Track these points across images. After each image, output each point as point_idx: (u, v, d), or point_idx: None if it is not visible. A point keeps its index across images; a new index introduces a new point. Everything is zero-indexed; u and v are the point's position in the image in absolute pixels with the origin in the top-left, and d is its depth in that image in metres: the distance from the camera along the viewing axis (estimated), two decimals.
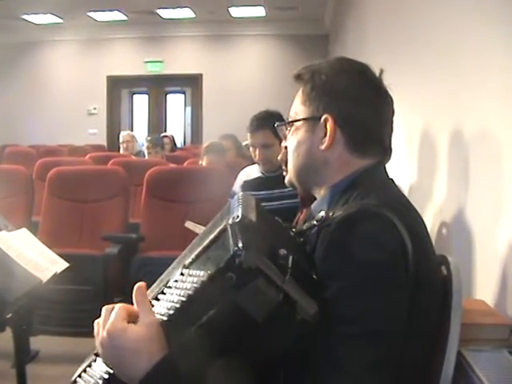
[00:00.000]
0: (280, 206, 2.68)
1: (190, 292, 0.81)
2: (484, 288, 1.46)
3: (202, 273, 0.81)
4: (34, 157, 6.36)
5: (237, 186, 3.07)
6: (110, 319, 0.90)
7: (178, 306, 0.83)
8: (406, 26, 2.68)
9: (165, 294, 0.91)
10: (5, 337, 2.59)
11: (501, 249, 1.36)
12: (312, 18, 9.16)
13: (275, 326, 0.80)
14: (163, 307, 0.88)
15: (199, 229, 3.02)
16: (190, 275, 0.85)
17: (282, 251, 0.83)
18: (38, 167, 4.78)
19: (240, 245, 0.78)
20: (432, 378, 0.98)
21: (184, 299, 0.82)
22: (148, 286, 1.04)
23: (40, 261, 2.13)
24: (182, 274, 0.88)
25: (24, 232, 2.26)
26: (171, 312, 0.85)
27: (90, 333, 2.95)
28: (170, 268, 1.03)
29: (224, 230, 0.84)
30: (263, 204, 2.70)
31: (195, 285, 0.81)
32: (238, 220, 0.84)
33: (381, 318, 0.88)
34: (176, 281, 0.88)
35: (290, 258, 0.82)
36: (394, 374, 0.88)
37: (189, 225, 3.04)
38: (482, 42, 1.55)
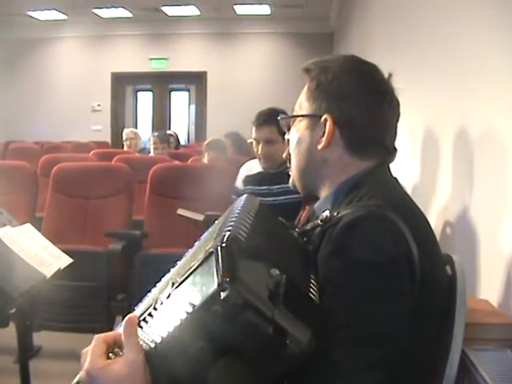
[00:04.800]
0: (284, 201, 2.68)
1: (176, 322, 0.77)
2: (488, 287, 1.46)
3: (187, 302, 0.76)
4: (38, 153, 6.37)
5: (239, 182, 3.07)
6: (87, 357, 0.86)
7: (164, 335, 0.79)
8: (411, 26, 2.68)
9: (152, 316, 0.85)
10: (8, 332, 2.60)
11: (505, 248, 1.36)
12: (317, 16, 9.16)
13: (265, 358, 0.76)
14: (150, 334, 0.83)
15: (193, 214, 3.04)
16: (177, 301, 0.80)
17: (274, 271, 0.78)
18: (42, 163, 4.79)
19: (225, 277, 0.73)
20: (436, 377, 0.98)
21: (170, 329, 0.77)
22: (151, 283, 1.04)
23: (44, 256, 2.13)
24: (168, 298, 0.83)
25: (28, 227, 2.26)
26: (158, 340, 0.80)
27: (92, 329, 2.96)
28: (167, 277, 1.00)
29: (211, 254, 0.78)
30: (267, 199, 2.70)
31: (181, 315, 0.76)
32: (224, 244, 0.78)
33: (380, 322, 0.88)
34: (163, 304, 0.83)
35: (283, 279, 0.78)
36: (395, 374, 0.88)
37: (181, 212, 3.06)
38: (486, 44, 1.54)
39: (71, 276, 2.43)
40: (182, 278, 0.81)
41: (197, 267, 0.79)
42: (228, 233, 0.81)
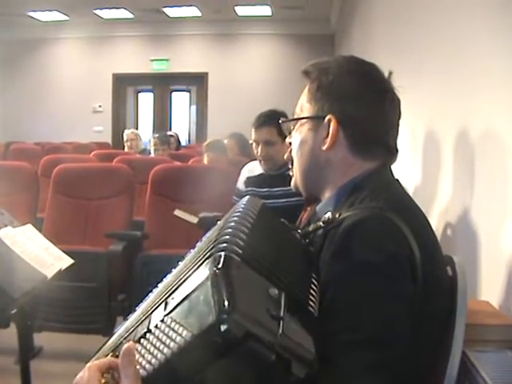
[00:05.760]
0: (285, 204, 2.68)
1: (174, 348, 0.73)
2: (488, 289, 1.46)
3: (184, 332, 0.72)
4: (39, 154, 6.37)
5: (240, 183, 3.07)
6: None
7: (162, 360, 0.75)
8: (412, 28, 2.68)
9: (147, 339, 0.80)
10: (8, 333, 2.60)
11: (505, 250, 1.36)
12: (318, 17, 9.16)
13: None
14: (146, 358, 0.79)
15: (188, 216, 3.05)
16: (171, 328, 0.76)
17: (273, 291, 0.76)
18: (43, 164, 4.80)
19: (223, 308, 0.69)
20: (437, 378, 0.98)
21: (168, 355, 0.74)
22: (151, 284, 1.04)
23: (45, 257, 2.13)
24: (162, 321, 0.78)
25: (29, 228, 2.26)
26: (156, 366, 0.76)
27: (93, 329, 2.96)
28: (164, 284, 0.97)
29: (205, 279, 0.74)
30: (268, 201, 2.70)
31: (179, 342, 0.72)
32: (220, 267, 0.75)
33: (380, 325, 0.88)
34: (157, 327, 0.79)
35: (283, 297, 0.76)
36: (396, 376, 0.88)
37: (178, 213, 3.07)
38: (487, 46, 1.55)
39: (72, 277, 2.43)
40: (176, 302, 0.78)
41: (192, 291, 0.76)
42: (224, 252, 0.78)
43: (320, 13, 8.92)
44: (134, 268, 3.18)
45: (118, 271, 3.24)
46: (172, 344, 0.74)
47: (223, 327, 0.68)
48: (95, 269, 3.14)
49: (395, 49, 3.20)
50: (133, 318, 0.97)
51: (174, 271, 0.97)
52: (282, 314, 0.74)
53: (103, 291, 3.14)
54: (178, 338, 0.73)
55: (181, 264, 0.98)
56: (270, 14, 9.16)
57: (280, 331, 0.72)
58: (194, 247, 1.01)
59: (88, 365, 0.84)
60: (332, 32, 9.38)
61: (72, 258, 2.25)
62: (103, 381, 0.82)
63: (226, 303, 0.70)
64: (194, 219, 3.00)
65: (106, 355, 0.90)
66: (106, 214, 3.61)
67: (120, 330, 0.98)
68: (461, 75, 1.79)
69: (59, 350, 3.23)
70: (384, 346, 0.87)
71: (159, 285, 1.00)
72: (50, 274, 2.07)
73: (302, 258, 1.01)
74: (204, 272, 0.76)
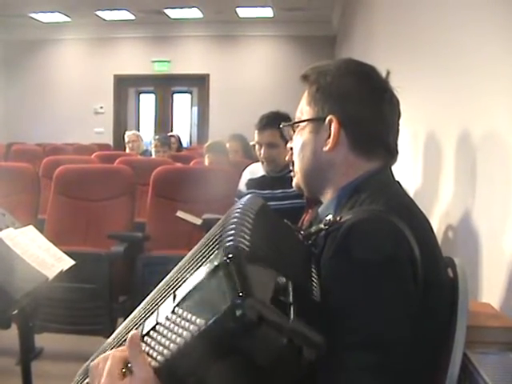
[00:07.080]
0: (287, 206, 2.68)
1: (186, 338, 0.74)
2: (490, 291, 1.46)
3: (197, 320, 0.73)
4: (40, 155, 6.39)
5: (242, 185, 3.07)
6: (103, 376, 0.83)
7: (174, 351, 0.75)
8: (415, 30, 2.68)
9: (158, 331, 0.81)
10: (10, 334, 2.60)
11: (507, 251, 1.36)
12: (320, 19, 9.16)
13: (281, 368, 0.75)
14: (158, 350, 0.79)
15: (191, 218, 3.05)
16: (183, 318, 0.76)
17: (281, 279, 0.77)
18: (45, 165, 4.80)
19: (238, 294, 0.71)
20: (438, 380, 0.98)
21: (181, 345, 0.74)
22: (153, 285, 1.04)
23: (46, 258, 2.14)
24: (173, 312, 0.79)
25: (30, 229, 2.27)
26: (168, 357, 0.76)
27: (93, 331, 2.96)
28: (165, 282, 0.97)
29: (217, 268, 0.75)
30: (270, 203, 2.70)
31: (191, 332, 0.73)
32: (231, 256, 0.75)
33: (380, 325, 0.88)
34: (168, 318, 0.79)
35: (290, 285, 0.77)
36: (397, 376, 0.88)
37: (180, 214, 3.07)
38: (490, 50, 1.54)
39: (73, 278, 2.43)
40: (186, 292, 0.78)
41: (202, 281, 0.77)
42: (232, 243, 0.79)
43: (321, 14, 8.92)
44: (136, 269, 3.18)
45: (120, 272, 3.25)
46: (185, 333, 0.74)
47: (238, 312, 0.69)
48: (96, 270, 3.13)
49: (397, 51, 3.20)
50: (135, 313, 0.96)
51: (176, 267, 0.97)
52: (291, 301, 0.76)
53: (104, 292, 3.14)
54: (192, 327, 0.74)
55: (183, 260, 0.97)
56: (271, 15, 9.17)
57: (291, 316, 0.74)
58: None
59: (110, 353, 0.84)
60: (333, 33, 9.38)
61: (73, 259, 2.26)
62: (124, 371, 0.83)
63: (240, 289, 0.71)
64: (197, 220, 3.00)
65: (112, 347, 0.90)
66: (108, 216, 3.61)
67: (125, 323, 0.98)
68: (463, 78, 1.79)
69: (60, 351, 3.23)
70: (383, 347, 0.87)
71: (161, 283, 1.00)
72: (51, 275, 2.08)
73: (301, 253, 1.02)
74: (213, 263, 0.77)
